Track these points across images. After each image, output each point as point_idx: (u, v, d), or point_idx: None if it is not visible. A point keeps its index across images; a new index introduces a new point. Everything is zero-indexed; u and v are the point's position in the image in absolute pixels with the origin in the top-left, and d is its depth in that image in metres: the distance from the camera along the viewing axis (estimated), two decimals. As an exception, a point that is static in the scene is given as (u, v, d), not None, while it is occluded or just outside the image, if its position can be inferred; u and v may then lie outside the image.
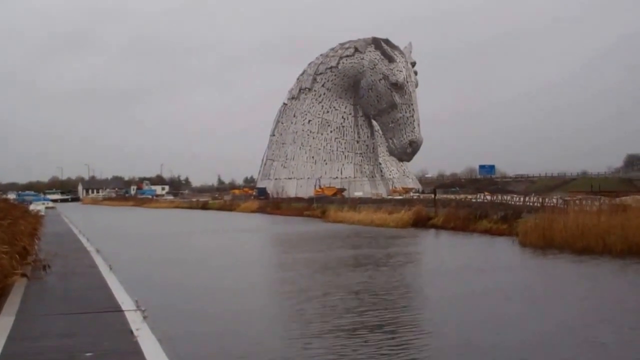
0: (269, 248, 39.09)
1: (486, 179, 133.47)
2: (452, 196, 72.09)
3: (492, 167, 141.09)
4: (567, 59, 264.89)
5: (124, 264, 23.87)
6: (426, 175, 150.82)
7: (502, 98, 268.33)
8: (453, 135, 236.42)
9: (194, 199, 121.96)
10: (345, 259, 29.76)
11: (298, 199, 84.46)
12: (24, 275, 16.44)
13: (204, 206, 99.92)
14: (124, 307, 12.78)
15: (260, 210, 79.00)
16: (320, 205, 68.97)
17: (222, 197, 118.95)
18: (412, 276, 25.14)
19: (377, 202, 65.14)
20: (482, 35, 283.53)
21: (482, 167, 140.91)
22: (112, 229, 54.47)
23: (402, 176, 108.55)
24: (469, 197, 69.42)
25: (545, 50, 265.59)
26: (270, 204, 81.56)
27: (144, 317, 11.72)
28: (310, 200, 79.30)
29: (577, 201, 49.31)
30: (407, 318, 16.63)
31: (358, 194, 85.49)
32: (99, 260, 22.22)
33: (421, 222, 47.81)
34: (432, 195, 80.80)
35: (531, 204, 55.13)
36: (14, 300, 13.84)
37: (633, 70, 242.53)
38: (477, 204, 54.45)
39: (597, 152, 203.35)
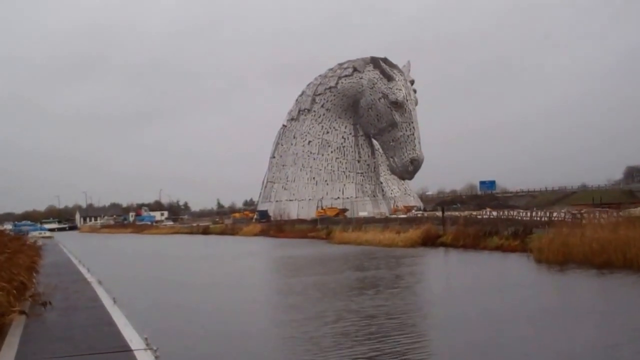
0: (276, 273, 37.62)
1: (487, 195, 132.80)
2: (457, 213, 71.20)
3: (492, 183, 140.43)
4: (566, 76, 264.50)
5: (128, 296, 22.61)
6: (427, 193, 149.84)
7: (500, 115, 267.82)
8: (452, 152, 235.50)
9: (194, 224, 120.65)
10: (356, 281, 28.60)
11: (301, 221, 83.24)
12: (22, 312, 15.33)
13: (205, 231, 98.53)
14: (132, 347, 11.67)
15: (263, 233, 77.69)
16: (324, 226, 67.75)
17: (223, 221, 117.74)
18: (430, 298, 23.92)
19: (383, 222, 63.97)
20: (480, 57, 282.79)
21: (482, 183, 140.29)
22: (112, 258, 52.94)
23: (404, 194, 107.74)
24: (474, 213, 68.62)
25: (543, 68, 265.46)
26: (273, 226, 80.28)
27: (156, 358, 10.65)
28: (313, 221, 78.10)
29: (585, 214, 48.60)
30: (431, 345, 15.50)
31: (363, 213, 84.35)
32: (101, 293, 21.12)
33: (430, 241, 46.64)
34: (436, 213, 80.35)
35: (538, 218, 54.32)
36: (12, 341, 12.76)
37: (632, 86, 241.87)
38: (484, 220, 53.40)
39: (596, 165, 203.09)
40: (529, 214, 57.94)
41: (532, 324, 17.26)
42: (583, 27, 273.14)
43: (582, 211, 53.78)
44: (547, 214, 55.14)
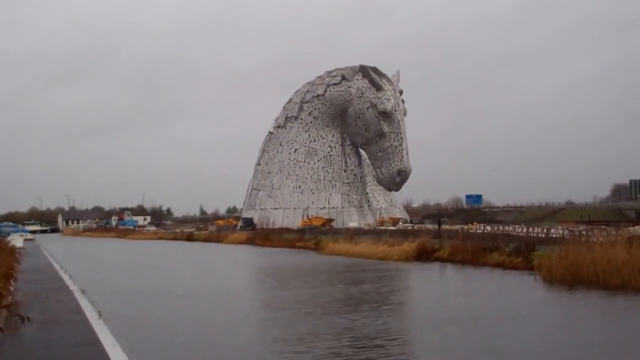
0: (268, 285, 35.31)
1: (474, 209, 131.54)
2: (447, 226, 69.57)
3: (479, 197, 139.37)
4: (551, 88, 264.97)
5: (115, 309, 20.58)
6: (412, 205, 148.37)
7: (486, 130, 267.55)
8: (436, 164, 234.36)
9: (177, 230, 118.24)
10: (351, 296, 26.83)
11: (286, 230, 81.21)
12: (-3, 327, 13.46)
13: (190, 237, 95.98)
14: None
15: (249, 241, 75.53)
16: (312, 236, 65.87)
17: (207, 227, 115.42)
18: (435, 321, 21.70)
19: (372, 233, 62.23)
20: (464, 64, 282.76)
21: (469, 197, 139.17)
22: (95, 264, 50.11)
23: (390, 206, 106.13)
24: (466, 227, 67.00)
25: (528, 80, 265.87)
26: (259, 235, 78.17)
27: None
28: (300, 231, 76.22)
29: (584, 232, 47.19)
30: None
31: (353, 224, 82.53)
32: (85, 304, 19.24)
33: (425, 255, 44.88)
34: (426, 226, 78.84)
35: (535, 234, 52.82)
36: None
37: (618, 100, 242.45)
38: (478, 235, 51.74)
39: (582, 182, 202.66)
40: (524, 229, 56.28)
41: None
42: (569, 43, 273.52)
43: (581, 229, 52.51)
44: (545, 231, 53.67)
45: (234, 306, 24.87)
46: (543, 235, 51.24)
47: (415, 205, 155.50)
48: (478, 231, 58.89)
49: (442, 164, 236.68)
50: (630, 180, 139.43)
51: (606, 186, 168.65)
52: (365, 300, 25.49)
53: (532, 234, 53.27)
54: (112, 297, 25.16)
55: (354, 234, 60.87)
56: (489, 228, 61.99)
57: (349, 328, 18.64)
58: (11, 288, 20.28)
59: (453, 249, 43.47)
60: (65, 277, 28.12)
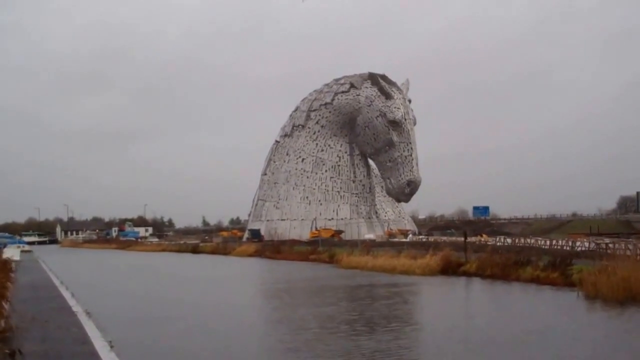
0: (288, 301, 32.07)
1: (481, 221, 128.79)
2: (453, 238, 66.89)
3: (486, 209, 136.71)
4: (562, 105, 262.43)
5: (128, 337, 17.72)
6: (419, 217, 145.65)
7: (491, 141, 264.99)
8: (442, 176, 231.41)
9: (181, 242, 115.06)
10: (380, 314, 24.21)
11: (295, 242, 78.16)
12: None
13: (195, 249, 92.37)
14: None
15: (258, 254, 72.33)
16: (326, 248, 63.00)
17: (212, 239, 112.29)
18: (486, 346, 19.02)
19: (389, 245, 59.50)
20: (473, 81, 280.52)
21: (476, 208, 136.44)
22: (99, 279, 45.99)
23: (398, 217, 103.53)
24: (482, 239, 64.43)
25: (537, 98, 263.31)
26: (269, 247, 75.07)
27: None
28: (312, 242, 73.27)
29: (610, 245, 44.72)
30: None
31: (369, 236, 79.52)
32: (91, 330, 16.47)
33: (451, 269, 42.18)
34: (429, 238, 76.00)
35: (558, 247, 50.24)
36: None
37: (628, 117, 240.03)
38: (503, 248, 48.99)
39: (586, 193, 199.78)
40: (547, 242, 53.62)
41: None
42: (579, 57, 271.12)
43: (606, 241, 50.06)
44: (570, 243, 51.03)
45: (257, 331, 22.09)
46: (568, 248, 48.78)
47: (421, 216, 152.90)
48: (498, 243, 56.40)
49: (448, 176, 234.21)
50: (638, 192, 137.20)
51: (610, 199, 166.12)
52: (395, 318, 22.99)
53: (555, 247, 50.77)
54: (122, 321, 22.22)
55: (371, 246, 58.07)
56: (509, 240, 59.44)
57: (380, 351, 15.98)
58: (3, 312, 17.51)
59: (481, 262, 40.77)
60: (67, 295, 25.32)
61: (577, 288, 30.57)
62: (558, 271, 35.14)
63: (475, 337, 20.08)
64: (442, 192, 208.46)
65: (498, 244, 55.95)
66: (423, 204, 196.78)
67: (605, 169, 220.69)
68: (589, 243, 50.24)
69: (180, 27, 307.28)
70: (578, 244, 50.22)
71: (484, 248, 47.62)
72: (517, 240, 57.88)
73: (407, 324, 22.43)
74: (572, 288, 31.41)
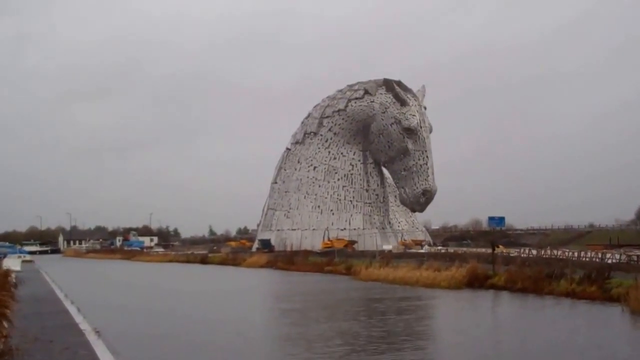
0: (314, 317, 29.42)
1: (497, 232, 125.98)
2: (465, 249, 64.68)
3: (502, 219, 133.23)
4: (577, 111, 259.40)
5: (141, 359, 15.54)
6: (432, 227, 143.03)
7: (505, 150, 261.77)
8: (456, 186, 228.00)
9: (188, 252, 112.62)
10: (411, 330, 21.91)
11: (307, 252, 75.67)
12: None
13: (204, 260, 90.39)
14: None
15: (270, 265, 69.91)
16: (342, 259, 60.64)
17: (220, 249, 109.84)
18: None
19: (408, 257, 57.19)
20: (496, 87, 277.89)
21: (491, 219, 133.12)
22: (106, 292, 43.13)
23: (412, 227, 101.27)
24: (505, 251, 62.17)
25: (553, 102, 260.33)
26: (281, 257, 72.64)
27: None
28: (327, 253, 70.85)
29: None
30: None
31: (387, 247, 77.16)
32: (103, 353, 14.24)
33: (478, 282, 39.84)
34: (444, 249, 73.66)
35: (586, 259, 47.96)
36: None
37: None
38: (530, 260, 46.69)
39: (604, 205, 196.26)
40: (575, 254, 51.27)
41: None
42: (596, 64, 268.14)
43: (638, 254, 47.87)
44: (600, 255, 48.69)
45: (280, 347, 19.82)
46: (597, 260, 46.52)
47: (434, 227, 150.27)
48: (522, 255, 54.09)
49: (462, 185, 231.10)
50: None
51: (629, 210, 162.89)
52: (426, 335, 20.95)
53: (584, 259, 48.50)
54: (134, 340, 20.00)
55: (391, 257, 55.65)
56: (534, 252, 57.08)
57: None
58: (3, 331, 15.34)
59: (510, 275, 38.45)
60: (73, 311, 23.14)
61: (618, 303, 28.56)
62: (595, 285, 32.90)
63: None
64: (456, 203, 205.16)
65: (522, 255, 53.63)
66: (436, 215, 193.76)
67: (623, 178, 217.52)
68: (620, 255, 48.05)
69: (191, 40, 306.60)
70: (608, 255, 48.00)
71: (511, 260, 45.30)
72: (542, 252, 55.46)
73: (441, 341, 20.21)
74: (611, 303, 29.55)
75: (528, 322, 26.03)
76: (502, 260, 44.40)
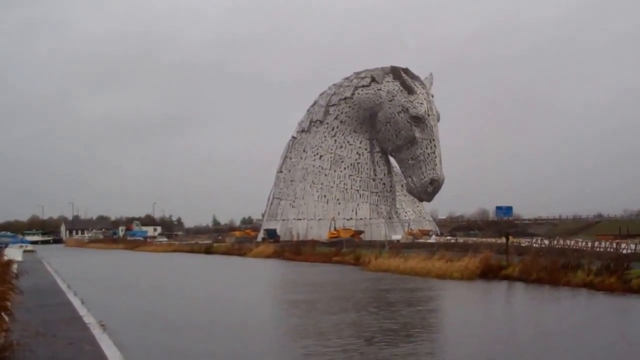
0: (325, 310, 28.77)
1: (505, 221, 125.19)
2: (474, 239, 63.64)
3: (509, 209, 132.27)
4: (581, 103, 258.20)
5: (150, 354, 14.54)
6: (439, 217, 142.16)
7: (512, 142, 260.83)
8: (462, 175, 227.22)
9: (192, 242, 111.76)
10: (427, 323, 20.91)
11: (314, 242, 74.76)
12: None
13: (209, 250, 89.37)
14: None
15: (277, 255, 68.90)
16: (351, 249, 59.71)
17: (224, 239, 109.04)
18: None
19: (417, 247, 56.26)
20: (502, 72, 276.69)
21: (499, 208, 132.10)
22: (112, 284, 41.12)
23: (419, 217, 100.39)
24: (514, 241, 61.06)
25: (569, 93, 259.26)
26: (287, 247, 71.71)
27: None
28: (335, 243, 69.92)
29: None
30: None
31: (396, 237, 76.10)
32: (108, 348, 13.29)
33: (491, 273, 38.84)
34: (454, 239, 72.66)
35: (601, 249, 46.93)
36: None
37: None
38: (543, 250, 45.66)
39: (612, 195, 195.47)
40: (589, 244, 50.25)
41: None
42: (605, 61, 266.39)
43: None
44: (614, 245, 47.68)
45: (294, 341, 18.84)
46: (612, 250, 45.52)
47: (441, 216, 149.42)
48: (534, 245, 53.12)
49: (467, 175, 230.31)
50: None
51: (637, 199, 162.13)
52: (440, 327, 20.82)
53: (598, 249, 47.47)
54: (142, 333, 18.96)
55: (401, 247, 54.71)
56: (546, 242, 56.01)
57: None
58: (3, 326, 14.41)
59: (525, 265, 37.40)
60: (76, 302, 22.20)
61: (638, 294, 27.62)
62: (615, 276, 31.89)
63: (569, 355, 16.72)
64: (462, 193, 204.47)
65: (534, 245, 52.66)
66: (442, 204, 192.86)
67: (630, 168, 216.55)
68: (635, 245, 47.04)
69: (202, 32, 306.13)
70: (623, 245, 46.99)
71: (524, 251, 44.31)
72: (555, 242, 54.44)
73: (455, 333, 19.25)
74: (631, 294, 28.68)
75: (547, 314, 25.01)
76: (515, 251, 43.26)
